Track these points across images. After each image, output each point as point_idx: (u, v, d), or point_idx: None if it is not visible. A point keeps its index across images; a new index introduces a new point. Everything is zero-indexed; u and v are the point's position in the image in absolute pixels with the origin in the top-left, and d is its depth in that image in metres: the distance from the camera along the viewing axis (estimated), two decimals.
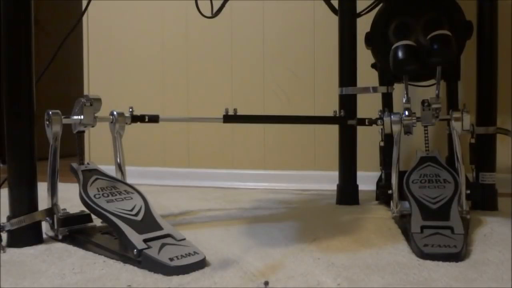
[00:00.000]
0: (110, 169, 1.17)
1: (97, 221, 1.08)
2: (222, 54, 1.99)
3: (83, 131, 1.16)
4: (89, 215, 1.09)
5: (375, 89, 1.45)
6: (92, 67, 2.20)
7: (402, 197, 1.17)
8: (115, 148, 1.22)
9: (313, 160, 1.90)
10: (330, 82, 1.70)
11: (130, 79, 2.13)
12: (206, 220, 1.29)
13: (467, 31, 1.34)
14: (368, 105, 1.52)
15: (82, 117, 1.12)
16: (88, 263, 0.89)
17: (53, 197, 1.06)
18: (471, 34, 1.35)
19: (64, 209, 1.08)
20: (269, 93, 1.94)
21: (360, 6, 1.55)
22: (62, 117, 1.08)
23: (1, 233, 1.00)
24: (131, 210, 1.01)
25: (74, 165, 1.12)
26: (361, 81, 1.50)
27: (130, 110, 1.27)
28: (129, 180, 1.17)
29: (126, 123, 1.24)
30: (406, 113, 1.24)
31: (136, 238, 0.89)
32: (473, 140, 1.33)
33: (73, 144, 1.14)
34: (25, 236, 1.02)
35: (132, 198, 1.06)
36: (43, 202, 1.06)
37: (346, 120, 1.43)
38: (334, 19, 1.54)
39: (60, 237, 1.05)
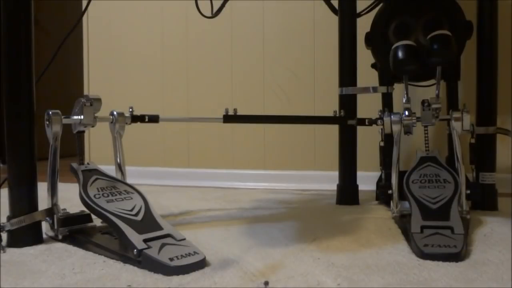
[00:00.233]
0: (110, 169, 1.17)
1: (97, 221, 1.08)
2: (222, 54, 1.99)
3: (83, 131, 1.16)
4: (89, 215, 1.09)
5: (375, 89, 1.45)
6: (92, 67, 2.20)
7: (402, 197, 1.17)
8: (115, 148, 1.22)
9: (313, 160, 1.90)
10: (330, 82, 1.70)
11: (130, 79, 2.13)
12: (206, 220, 1.29)
13: (467, 31, 1.34)
14: (368, 105, 1.52)
15: (82, 117, 1.12)
16: (88, 263, 0.89)
17: (53, 197, 1.06)
18: (471, 34, 1.35)
19: (64, 209, 1.08)
20: (269, 93, 1.94)
21: (360, 6, 1.55)
22: (62, 117, 1.08)
23: (1, 233, 1.00)
24: (131, 210, 1.01)
25: (74, 165, 1.12)
26: (361, 81, 1.50)
27: (130, 110, 1.27)
28: (129, 180, 1.17)
29: (126, 123, 1.24)
30: (406, 113, 1.24)
31: (136, 238, 0.89)
32: (473, 140, 1.33)
33: (73, 144, 1.14)
34: (25, 236, 1.02)
35: (132, 198, 1.06)
36: (43, 202, 1.06)
37: (346, 120, 1.43)
38: (334, 19, 1.54)
39: (60, 237, 1.05)
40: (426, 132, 1.27)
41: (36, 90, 1.06)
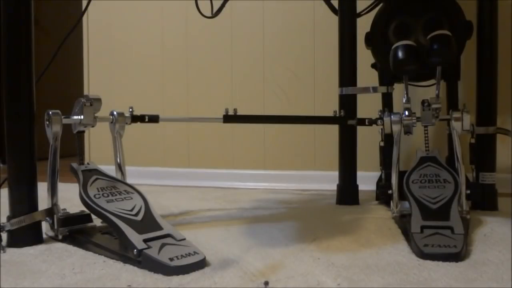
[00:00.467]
0: (110, 169, 1.17)
1: (97, 221, 1.08)
2: (222, 54, 1.99)
3: (83, 131, 1.16)
4: (89, 215, 1.09)
5: (375, 89, 1.45)
6: (92, 67, 2.20)
7: (402, 197, 1.17)
8: (115, 148, 1.22)
9: (313, 160, 1.90)
10: (330, 82, 1.70)
11: (130, 79, 2.13)
12: (206, 220, 1.29)
13: (467, 31, 1.34)
14: (368, 105, 1.52)
15: (82, 117, 1.12)
16: (88, 263, 0.89)
17: (53, 197, 1.06)
18: (471, 34, 1.35)
19: (64, 209, 1.08)
20: (269, 93, 1.94)
21: (360, 6, 1.55)
22: (62, 117, 1.08)
23: (1, 233, 1.00)
24: (131, 210, 1.01)
25: (74, 165, 1.12)
26: (361, 81, 1.50)
27: (130, 110, 1.27)
28: (129, 180, 1.18)
29: (126, 123, 1.24)
30: (406, 113, 1.24)
31: (136, 238, 0.89)
32: (473, 140, 1.33)
33: (73, 144, 1.14)
34: (25, 236, 1.02)
35: (132, 198, 1.06)
36: (43, 202, 1.06)
37: (346, 120, 1.43)
38: (334, 19, 1.54)
39: (60, 237, 1.05)
40: (426, 132, 1.27)
41: (36, 90, 1.06)
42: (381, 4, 1.45)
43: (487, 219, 1.21)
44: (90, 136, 2.17)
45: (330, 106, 1.50)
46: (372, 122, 1.35)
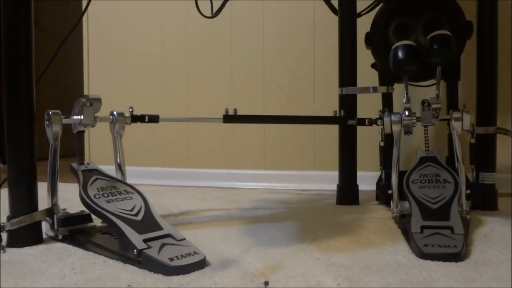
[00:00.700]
0: (110, 169, 1.17)
1: (97, 221, 1.08)
2: (222, 54, 1.99)
3: (83, 131, 1.16)
4: (89, 215, 1.09)
5: (375, 89, 1.45)
6: (92, 67, 2.20)
7: (402, 197, 1.17)
8: (115, 148, 1.22)
9: (313, 160, 1.90)
10: (330, 82, 1.70)
11: (130, 79, 2.13)
12: (206, 220, 1.29)
13: (467, 31, 1.34)
14: (368, 105, 1.52)
15: (82, 117, 1.12)
16: (88, 263, 0.89)
17: (53, 197, 1.06)
18: (471, 34, 1.35)
19: (64, 209, 1.08)
20: (269, 93, 1.94)
21: (360, 6, 1.55)
22: (62, 117, 1.08)
23: (1, 233, 1.00)
24: (131, 210, 1.01)
25: (74, 165, 1.12)
26: (361, 81, 1.50)
27: (130, 110, 1.27)
28: (129, 180, 1.17)
29: (126, 123, 1.24)
30: (406, 113, 1.24)
31: (136, 238, 0.89)
32: (473, 140, 1.33)
33: (73, 144, 1.14)
34: (25, 236, 1.02)
35: (132, 198, 1.06)
36: (43, 202, 1.06)
37: (346, 120, 1.43)
38: (334, 19, 1.54)
39: (60, 237, 1.05)
40: (426, 132, 1.27)
41: (36, 90, 1.06)
42: (381, 4, 1.45)
43: (487, 219, 1.21)
44: (90, 136, 2.17)
45: (330, 106, 1.50)
46: (372, 122, 1.35)
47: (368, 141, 1.57)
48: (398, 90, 1.45)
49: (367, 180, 1.56)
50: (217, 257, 0.91)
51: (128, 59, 2.14)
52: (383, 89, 1.44)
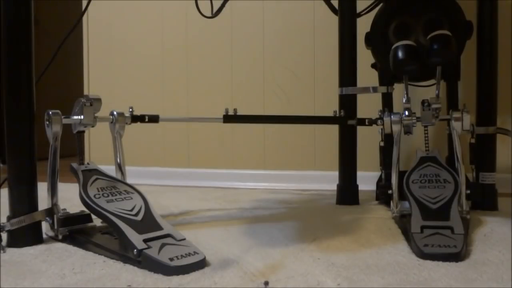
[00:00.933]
0: (110, 169, 1.17)
1: (97, 221, 1.08)
2: (222, 54, 1.99)
3: (83, 131, 1.16)
4: (89, 215, 1.09)
5: (375, 89, 1.45)
6: (92, 67, 2.20)
7: (402, 197, 1.17)
8: (115, 148, 1.22)
9: (313, 160, 1.90)
10: (330, 82, 1.70)
11: (130, 79, 2.13)
12: (206, 220, 1.29)
13: (467, 31, 1.34)
14: (368, 105, 1.52)
15: (82, 117, 1.12)
16: (88, 263, 0.89)
17: (53, 197, 1.06)
18: (471, 34, 1.35)
19: (64, 209, 1.08)
20: (269, 93, 1.94)
21: (360, 6, 1.55)
22: (62, 117, 1.08)
23: (1, 233, 1.00)
24: (131, 210, 1.01)
25: (74, 165, 1.12)
26: (361, 81, 1.50)
27: (130, 110, 1.27)
28: (129, 180, 1.18)
29: (126, 123, 1.24)
30: (406, 113, 1.24)
31: (136, 238, 0.89)
32: (473, 140, 1.33)
33: (73, 144, 1.14)
34: (25, 236, 1.02)
35: (132, 198, 1.06)
36: (43, 202, 1.06)
37: (346, 120, 1.43)
38: (334, 19, 1.54)
39: (60, 237, 1.05)
40: (426, 132, 1.27)
41: (36, 90, 1.06)
42: (381, 4, 1.45)
43: (487, 219, 1.21)
44: (90, 136, 2.17)
45: (330, 106, 1.50)
46: (372, 122, 1.35)
47: (368, 141, 1.57)
48: (398, 90, 1.45)
49: (367, 180, 1.56)
50: (217, 257, 0.91)
51: (128, 59, 2.14)
52: (383, 89, 1.44)
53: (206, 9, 1.50)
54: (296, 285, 0.77)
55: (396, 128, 1.24)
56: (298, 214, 1.36)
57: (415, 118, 1.24)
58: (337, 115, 1.44)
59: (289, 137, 1.92)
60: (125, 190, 1.08)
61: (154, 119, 1.31)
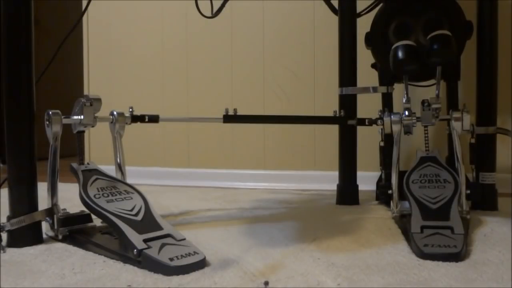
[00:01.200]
0: (110, 169, 1.17)
1: (97, 221, 1.08)
2: (222, 54, 1.99)
3: (83, 131, 1.16)
4: (89, 215, 1.09)
5: (375, 89, 1.45)
6: (92, 67, 2.20)
7: (402, 197, 1.17)
8: (115, 148, 1.22)
9: (313, 160, 1.90)
10: (330, 82, 1.70)
11: (130, 79, 2.13)
12: (206, 220, 1.29)
13: (467, 31, 1.34)
14: (368, 105, 1.52)
15: (82, 117, 1.12)
16: (88, 263, 0.89)
17: (53, 197, 1.06)
18: (471, 34, 1.35)
19: (64, 209, 1.08)
20: (269, 93, 1.94)
21: (360, 6, 1.55)
22: (62, 117, 1.08)
23: (1, 233, 1.00)
24: (131, 210, 1.01)
25: (74, 165, 1.12)
26: (361, 81, 1.50)
27: (130, 110, 1.27)
28: (129, 180, 1.18)
29: (126, 123, 1.24)
30: (406, 113, 1.24)
31: (136, 238, 0.89)
32: (473, 140, 1.33)
33: (73, 144, 1.14)
34: (25, 236, 1.02)
35: (132, 198, 1.06)
36: (43, 202, 1.06)
37: (346, 120, 1.43)
38: (334, 19, 1.54)
39: (60, 237, 1.05)
40: (426, 132, 1.27)
41: (36, 90, 1.06)
42: (381, 4, 1.45)
43: (487, 219, 1.21)
44: (90, 136, 2.17)
45: (330, 106, 1.50)
46: (372, 122, 1.35)
47: (368, 141, 1.57)
48: (398, 90, 1.45)
49: (367, 180, 1.56)
50: (217, 257, 0.91)
51: (128, 59, 2.14)
52: (383, 89, 1.44)
53: (206, 9, 1.50)
54: (296, 285, 0.77)
55: (396, 128, 1.24)
56: (298, 214, 1.36)
57: (415, 118, 1.24)
58: (337, 115, 1.44)
59: (289, 137, 1.92)
60: (125, 190, 1.08)
61: (154, 119, 1.31)
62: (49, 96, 2.47)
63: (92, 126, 1.15)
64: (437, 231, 0.96)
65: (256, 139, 1.96)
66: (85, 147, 1.89)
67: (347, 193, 1.50)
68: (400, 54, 1.23)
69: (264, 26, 1.94)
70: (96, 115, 1.14)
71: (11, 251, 0.98)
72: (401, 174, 1.20)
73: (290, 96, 1.92)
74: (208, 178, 1.99)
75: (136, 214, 0.99)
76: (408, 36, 1.35)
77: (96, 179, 1.09)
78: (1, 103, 1.05)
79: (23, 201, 1.03)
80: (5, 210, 1.04)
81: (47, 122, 1.07)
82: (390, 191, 1.21)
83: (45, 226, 1.08)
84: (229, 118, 1.35)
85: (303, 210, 1.42)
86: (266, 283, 0.77)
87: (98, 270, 0.85)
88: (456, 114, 1.21)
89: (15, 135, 1.03)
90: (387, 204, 1.33)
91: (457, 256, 0.87)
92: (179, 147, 2.06)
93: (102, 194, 1.05)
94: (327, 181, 1.76)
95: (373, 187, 1.50)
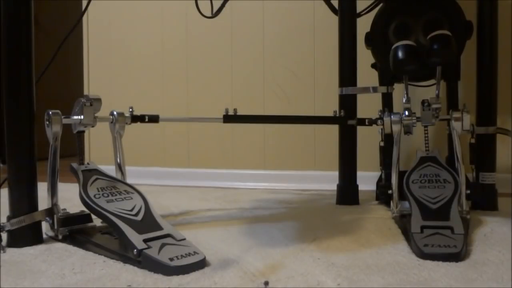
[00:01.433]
0: (110, 169, 1.17)
1: (97, 221, 1.08)
2: (222, 54, 1.99)
3: (83, 131, 1.16)
4: (89, 215, 1.09)
5: (375, 89, 1.45)
6: (92, 67, 2.20)
7: (402, 197, 1.17)
8: (115, 148, 1.22)
9: (313, 160, 1.90)
10: (330, 82, 1.70)
11: (130, 79, 2.13)
12: (206, 220, 1.29)
13: (467, 31, 1.34)
14: (368, 105, 1.52)
15: (82, 117, 1.12)
16: (88, 263, 0.89)
17: (53, 197, 1.06)
18: (471, 34, 1.35)
19: (64, 209, 1.08)
20: (269, 93, 1.94)
21: (360, 6, 1.55)
22: (62, 117, 1.08)
23: (1, 233, 1.00)
24: (131, 210, 1.01)
25: (74, 165, 1.12)
26: (361, 81, 1.50)
27: (130, 110, 1.27)
28: (129, 180, 1.17)
29: (126, 123, 1.24)
30: (406, 113, 1.24)
31: (136, 238, 0.89)
32: (473, 140, 1.33)
33: (73, 144, 1.14)
34: (25, 236, 1.02)
35: (132, 198, 1.06)
36: (43, 202, 1.06)
37: (346, 120, 1.43)
38: (334, 19, 1.54)
39: (60, 237, 1.05)
40: (426, 132, 1.27)
41: (36, 90, 1.06)
42: (381, 4, 1.45)
43: (487, 219, 1.21)
44: (90, 136, 2.17)
45: (330, 106, 1.50)
46: (372, 122, 1.35)
47: (368, 141, 1.57)
48: (398, 90, 1.45)
49: (367, 180, 1.56)
50: (217, 257, 0.91)
51: (128, 59, 2.14)
52: (383, 89, 1.44)
53: (206, 9, 1.50)
54: (296, 285, 0.77)
55: (396, 128, 1.24)
56: (298, 214, 1.36)
57: (415, 118, 1.24)
58: (337, 115, 1.44)
59: (289, 137, 1.92)
60: (125, 190, 1.08)
61: (154, 119, 1.31)
62: (49, 96, 2.47)
63: (92, 126, 1.15)
64: (437, 231, 0.96)
65: (256, 139, 1.96)
66: (85, 147, 1.89)
67: (347, 193, 1.50)
68: (400, 54, 1.23)
69: (264, 26, 1.94)
70: (96, 115, 1.14)
71: (11, 251, 0.98)
72: (401, 174, 1.20)
73: (290, 96, 1.92)
74: (208, 178, 1.99)
75: (136, 214, 0.99)
76: (408, 36, 1.35)
77: (96, 179, 1.09)
78: (1, 103, 1.05)
79: (23, 201, 1.03)
80: (5, 210, 1.04)
81: (47, 122, 1.07)
82: (390, 191, 1.21)
83: (45, 226, 1.08)
84: (229, 118, 1.35)
85: (303, 210, 1.42)
86: (266, 283, 0.77)
87: (98, 270, 0.85)
88: (456, 114, 1.21)
89: (15, 135, 1.03)
90: (387, 204, 1.33)
91: (457, 256, 0.87)
92: (179, 147, 2.06)
93: (102, 194, 1.05)
94: (327, 181, 1.76)
95: (373, 187, 1.50)
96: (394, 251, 0.94)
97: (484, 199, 1.33)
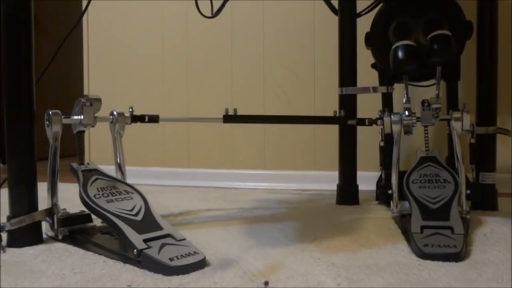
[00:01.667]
0: (110, 169, 1.17)
1: (97, 221, 1.08)
2: (222, 54, 1.99)
3: (83, 131, 1.16)
4: (89, 215, 1.09)
5: (375, 89, 1.45)
6: (92, 67, 2.20)
7: (402, 197, 1.17)
8: (115, 148, 1.22)
9: (313, 160, 1.90)
10: (330, 82, 1.70)
11: (130, 79, 2.13)
12: (206, 220, 1.29)
13: (467, 31, 1.34)
14: (368, 105, 1.52)
15: (82, 117, 1.12)
16: (88, 263, 0.89)
17: (53, 197, 1.06)
18: (471, 34, 1.35)
19: (64, 209, 1.08)
20: (269, 93, 1.94)
21: (360, 6, 1.55)
22: (62, 117, 1.08)
23: (1, 233, 1.00)
24: (131, 210, 1.01)
25: (74, 165, 1.12)
26: (361, 81, 1.50)
27: (130, 110, 1.27)
28: (129, 180, 1.17)
29: (126, 123, 1.24)
30: (406, 113, 1.24)
31: (136, 238, 0.89)
32: (473, 140, 1.33)
33: (73, 144, 1.14)
34: (25, 236, 1.02)
35: (132, 198, 1.06)
36: (43, 202, 1.06)
37: (346, 120, 1.43)
38: (334, 19, 1.54)
39: (60, 237, 1.05)
40: (426, 132, 1.27)
41: (36, 90, 1.06)
42: (381, 4, 1.45)
43: (487, 219, 1.21)
44: (90, 136, 2.17)
45: (330, 106, 1.50)
46: (372, 122, 1.35)
47: (368, 141, 1.57)
48: (398, 90, 1.45)
49: (367, 180, 1.56)
50: (217, 257, 0.91)
51: (128, 59, 2.14)
52: (383, 89, 1.44)
53: (206, 9, 1.50)
54: (296, 285, 0.77)
55: (396, 128, 1.24)
56: (298, 214, 1.36)
57: (415, 118, 1.24)
58: (337, 115, 1.44)
59: (289, 137, 1.92)
60: (125, 190, 1.08)
61: (154, 119, 1.31)
62: (49, 96, 2.47)
63: (92, 126, 1.15)
64: (437, 231, 0.96)
65: (256, 139, 1.96)
66: (85, 147, 1.88)
67: (347, 193, 1.50)
68: (400, 54, 1.23)
69: (264, 26, 1.94)
70: (96, 115, 1.14)
71: (11, 251, 0.98)
72: (401, 174, 1.20)
73: (290, 96, 1.92)
74: (208, 178, 2.00)
75: (136, 214, 0.99)
76: (408, 36, 1.35)
77: (96, 179, 1.09)
78: (1, 103, 1.05)
79: (23, 201, 1.03)
80: (5, 210, 1.04)
81: (47, 122, 1.07)
82: (390, 191, 1.21)
83: (45, 226, 1.08)
84: (229, 118, 1.35)
85: (303, 210, 1.42)
86: (266, 283, 0.77)
87: (98, 270, 0.85)
88: (456, 114, 1.21)
89: (15, 135, 1.03)
90: (387, 204, 1.33)
91: (457, 256, 0.87)
92: (179, 147, 2.06)
93: (102, 194, 1.05)
94: (327, 181, 1.76)
95: (373, 187, 1.51)
96: (394, 251, 0.94)
97: (484, 199, 1.33)
